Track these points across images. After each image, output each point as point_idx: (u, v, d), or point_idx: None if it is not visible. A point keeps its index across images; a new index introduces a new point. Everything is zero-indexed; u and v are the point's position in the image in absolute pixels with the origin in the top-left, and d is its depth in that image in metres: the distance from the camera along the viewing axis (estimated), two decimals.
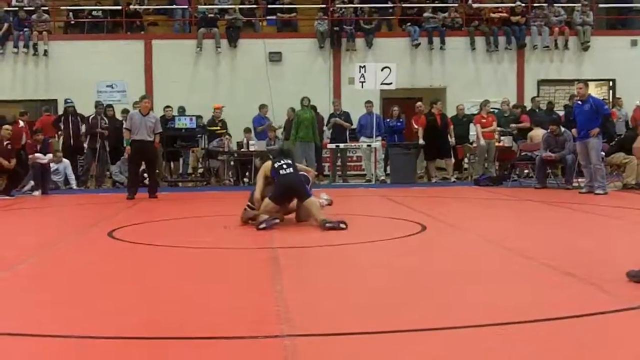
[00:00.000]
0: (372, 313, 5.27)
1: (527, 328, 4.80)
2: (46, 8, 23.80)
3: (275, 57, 23.06)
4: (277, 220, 9.93)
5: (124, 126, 15.97)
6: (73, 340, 4.59)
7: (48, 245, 8.02)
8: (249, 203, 10.55)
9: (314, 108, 20.26)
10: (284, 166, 10.47)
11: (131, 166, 16.07)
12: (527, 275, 6.59)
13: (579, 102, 14.95)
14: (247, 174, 19.87)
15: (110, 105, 20.28)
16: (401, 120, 20.36)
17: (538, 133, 17.98)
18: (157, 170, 19.26)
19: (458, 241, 9.10)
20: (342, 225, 9.83)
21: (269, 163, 10.67)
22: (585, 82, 15.64)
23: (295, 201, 10.66)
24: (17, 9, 23.43)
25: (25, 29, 22.78)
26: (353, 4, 24.18)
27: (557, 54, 23.85)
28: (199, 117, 20.21)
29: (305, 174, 11.23)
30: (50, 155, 17.99)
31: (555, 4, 24.41)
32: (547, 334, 4.70)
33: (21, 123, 18.55)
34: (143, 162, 16.25)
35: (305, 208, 10.40)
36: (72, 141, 19.57)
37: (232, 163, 20.32)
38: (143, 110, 15.59)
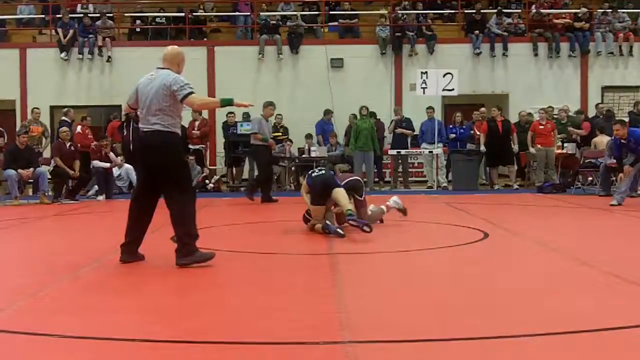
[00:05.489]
0: (434, 320, 5.23)
1: (593, 337, 4.73)
2: (111, 15, 24.18)
3: (336, 63, 23.09)
4: (341, 235, 9.66)
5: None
6: (133, 344, 4.64)
7: (112, 249, 8.10)
8: (306, 213, 10.61)
9: (373, 114, 20.25)
10: (316, 171, 10.55)
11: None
12: (592, 284, 6.50)
13: (622, 140, 14.64)
14: None
15: None
16: (464, 127, 20.25)
17: (602, 140, 17.74)
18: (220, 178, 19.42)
19: (521, 249, 9.00)
20: (366, 228, 9.57)
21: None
22: (622, 121, 15.38)
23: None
24: (82, 15, 23.84)
25: (90, 36, 23.15)
26: (415, 10, 24.15)
27: (621, 61, 23.53)
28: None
29: (358, 178, 11.26)
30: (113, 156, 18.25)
31: (619, 10, 24.09)
32: (613, 342, 4.63)
33: (78, 128, 18.80)
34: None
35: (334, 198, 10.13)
36: (131, 146, 19.77)
37: (293, 169, 20.40)
38: None
